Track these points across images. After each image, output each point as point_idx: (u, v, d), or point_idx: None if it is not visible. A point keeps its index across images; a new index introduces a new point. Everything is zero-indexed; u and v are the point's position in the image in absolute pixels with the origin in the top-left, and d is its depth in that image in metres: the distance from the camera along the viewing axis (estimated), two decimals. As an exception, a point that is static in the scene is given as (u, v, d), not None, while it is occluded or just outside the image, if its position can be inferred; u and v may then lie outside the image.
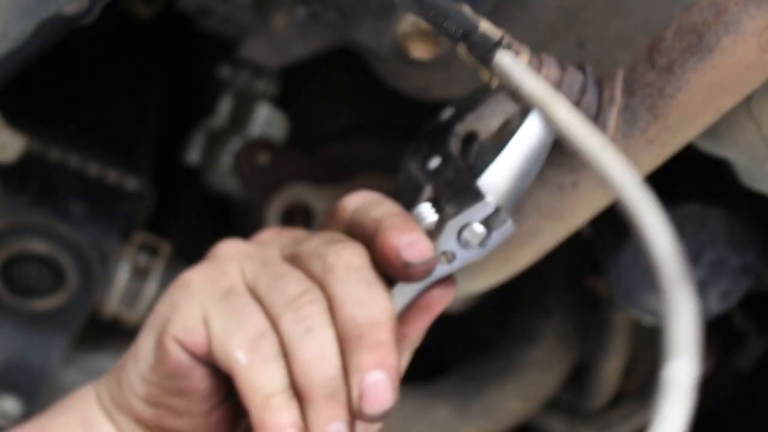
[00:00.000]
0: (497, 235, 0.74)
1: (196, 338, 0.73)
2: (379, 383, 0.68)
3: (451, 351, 1.41)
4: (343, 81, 1.28)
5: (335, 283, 0.71)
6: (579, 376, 1.30)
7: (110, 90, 1.31)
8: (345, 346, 0.69)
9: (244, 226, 1.24)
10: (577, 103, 0.74)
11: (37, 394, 1.20)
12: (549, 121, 0.62)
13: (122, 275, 1.20)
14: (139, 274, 1.20)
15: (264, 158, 1.21)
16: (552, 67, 0.74)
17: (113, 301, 1.21)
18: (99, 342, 1.26)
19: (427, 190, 0.78)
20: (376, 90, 1.13)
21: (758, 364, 1.38)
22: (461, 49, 0.71)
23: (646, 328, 1.26)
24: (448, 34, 0.71)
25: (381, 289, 0.71)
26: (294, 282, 0.72)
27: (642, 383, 1.30)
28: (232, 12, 1.19)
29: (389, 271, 0.73)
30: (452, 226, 0.74)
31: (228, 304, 0.72)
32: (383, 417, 0.69)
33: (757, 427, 1.41)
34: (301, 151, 1.23)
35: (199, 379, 0.74)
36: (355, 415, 0.69)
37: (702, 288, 1.11)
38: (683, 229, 1.08)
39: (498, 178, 0.73)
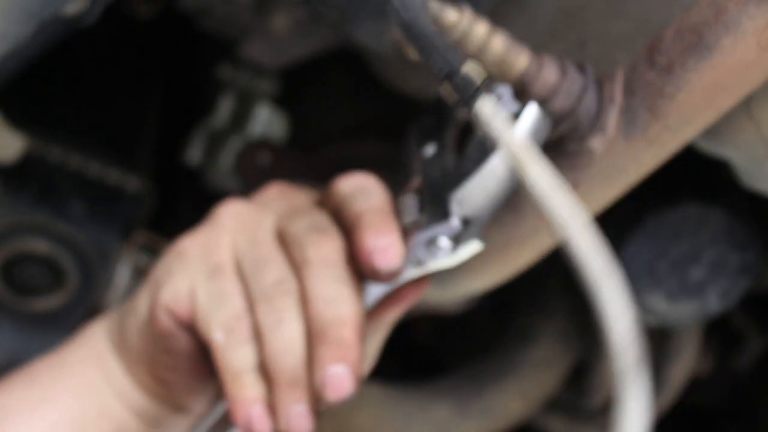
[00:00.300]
0: (463, 252, 0.76)
1: (183, 309, 0.79)
2: (339, 376, 0.73)
3: (451, 351, 1.41)
4: (343, 81, 1.28)
5: (309, 277, 0.76)
6: (579, 376, 1.30)
7: (111, 90, 1.31)
8: (312, 338, 0.75)
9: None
10: (578, 104, 0.74)
11: (38, 394, 1.20)
12: (523, 180, 0.62)
13: (122, 275, 1.20)
14: (140, 274, 1.20)
15: (264, 158, 1.21)
16: (552, 69, 0.74)
17: (114, 301, 1.21)
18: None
19: (416, 181, 0.79)
20: (376, 90, 1.14)
21: (758, 364, 1.38)
22: (444, 88, 0.71)
23: (646, 328, 1.26)
24: (433, 69, 0.70)
25: (350, 288, 0.76)
26: (274, 270, 0.77)
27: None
28: (232, 12, 1.19)
29: (360, 270, 0.77)
30: (422, 237, 0.75)
31: (214, 281, 0.78)
32: (343, 403, 0.74)
33: (757, 427, 1.41)
34: (302, 151, 1.23)
35: (185, 342, 0.80)
36: (317, 400, 0.75)
37: (702, 288, 1.11)
38: (683, 229, 1.08)
39: (475, 192, 0.74)
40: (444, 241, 0.76)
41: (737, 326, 1.35)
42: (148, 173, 1.23)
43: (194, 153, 1.31)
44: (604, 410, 1.31)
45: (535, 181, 0.61)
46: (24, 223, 1.17)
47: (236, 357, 0.76)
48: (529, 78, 0.74)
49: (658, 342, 1.27)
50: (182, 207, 1.37)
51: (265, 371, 0.76)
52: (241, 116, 1.29)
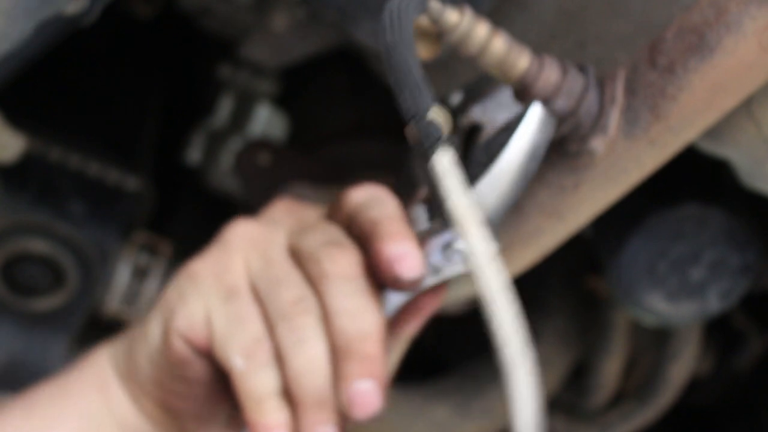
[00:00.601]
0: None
1: (199, 335, 0.76)
2: (367, 392, 0.71)
3: (451, 351, 1.41)
4: (344, 81, 1.28)
5: (328, 292, 0.73)
6: (579, 376, 1.30)
7: (110, 90, 1.31)
8: (335, 355, 0.72)
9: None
10: (579, 104, 0.74)
11: (38, 394, 1.20)
12: (463, 247, 0.61)
13: (122, 275, 1.20)
14: (140, 274, 1.20)
15: (264, 158, 1.21)
16: (553, 70, 0.74)
17: (113, 301, 1.21)
18: (99, 342, 1.26)
19: (424, 190, 0.79)
20: (376, 90, 1.13)
21: (758, 364, 1.38)
22: (409, 128, 0.69)
23: (646, 328, 1.26)
24: (401, 106, 0.69)
25: (371, 300, 0.74)
26: (291, 288, 0.74)
27: (642, 383, 1.30)
28: (232, 12, 1.19)
29: (380, 279, 0.75)
30: (436, 242, 0.74)
31: (230, 305, 0.75)
32: (371, 420, 0.72)
33: (757, 427, 1.41)
34: (302, 151, 1.23)
35: (201, 369, 0.77)
36: (343, 419, 0.73)
37: (702, 288, 1.11)
38: (683, 229, 1.08)
39: (485, 193, 0.73)
40: (459, 246, 0.75)
41: (737, 326, 1.35)
42: (148, 173, 1.23)
43: (194, 153, 1.31)
44: (604, 410, 1.31)
45: (474, 248, 0.61)
46: (24, 223, 1.17)
47: (258, 381, 0.73)
48: (530, 79, 0.74)
49: (658, 342, 1.27)
50: (182, 207, 1.37)
51: (288, 394, 0.73)
52: (241, 116, 1.29)
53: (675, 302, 1.11)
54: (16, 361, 1.20)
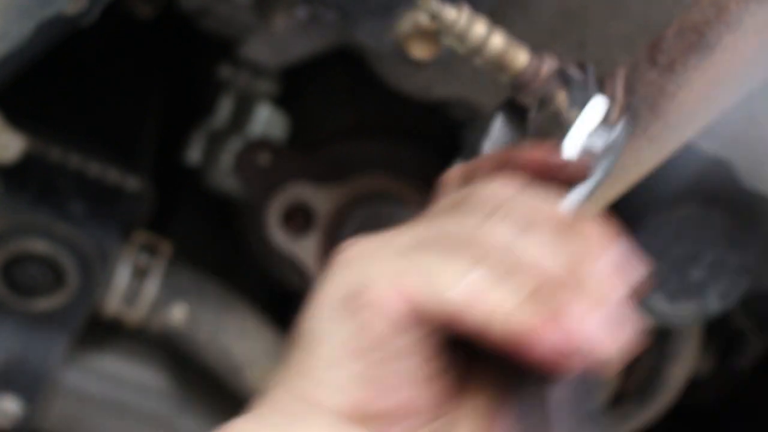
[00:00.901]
0: (622, 132, 0.71)
1: (399, 297, 0.62)
2: (622, 265, 0.62)
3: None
4: (344, 81, 1.28)
5: (515, 199, 0.64)
6: (579, 376, 1.30)
7: (110, 90, 1.31)
8: (564, 242, 0.62)
9: (244, 226, 1.24)
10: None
11: (38, 394, 1.20)
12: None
13: (122, 275, 1.20)
14: (140, 274, 1.20)
15: (264, 158, 1.21)
16: (552, 67, 0.74)
17: (114, 301, 1.21)
18: (100, 342, 1.26)
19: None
20: (376, 90, 1.14)
21: (758, 364, 1.38)
22: None
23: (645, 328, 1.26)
24: None
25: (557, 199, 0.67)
26: (475, 210, 0.64)
27: (642, 383, 1.30)
28: (232, 12, 1.19)
29: (545, 182, 0.67)
30: (576, 130, 0.70)
31: (412, 256, 0.63)
32: (635, 300, 0.62)
33: (757, 427, 1.41)
34: (302, 151, 1.23)
35: (413, 341, 0.63)
36: (610, 304, 0.61)
37: (702, 288, 1.11)
38: (683, 229, 1.08)
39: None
40: (603, 126, 0.71)
41: (737, 326, 1.35)
42: (148, 173, 1.23)
43: (194, 153, 1.31)
44: (604, 410, 1.31)
45: None
46: (24, 223, 1.17)
47: (495, 299, 0.60)
48: (529, 75, 0.74)
49: (658, 342, 1.27)
50: (182, 207, 1.37)
51: (535, 297, 0.60)
52: (241, 116, 1.29)
53: (675, 302, 1.11)
54: (16, 361, 1.20)
